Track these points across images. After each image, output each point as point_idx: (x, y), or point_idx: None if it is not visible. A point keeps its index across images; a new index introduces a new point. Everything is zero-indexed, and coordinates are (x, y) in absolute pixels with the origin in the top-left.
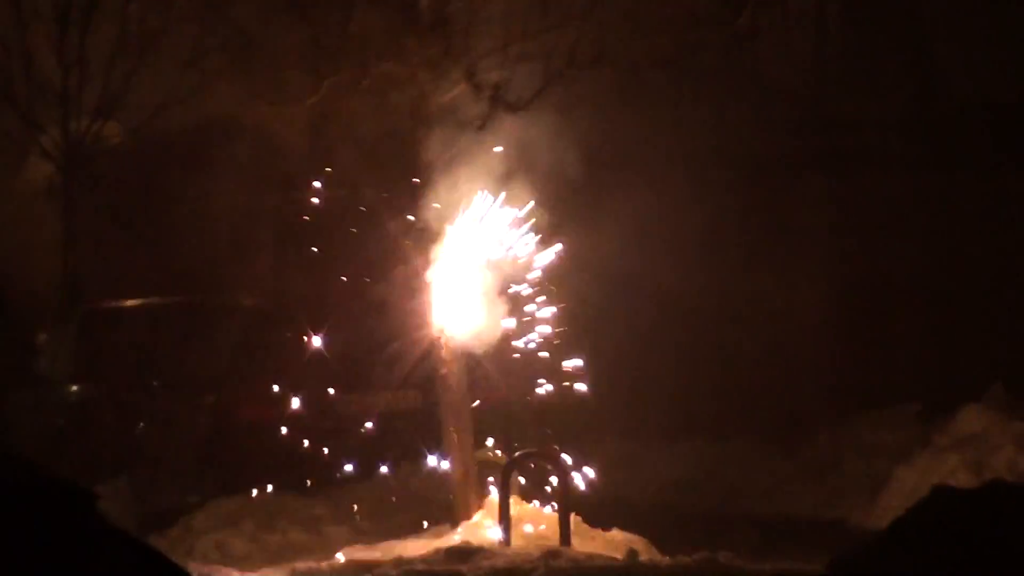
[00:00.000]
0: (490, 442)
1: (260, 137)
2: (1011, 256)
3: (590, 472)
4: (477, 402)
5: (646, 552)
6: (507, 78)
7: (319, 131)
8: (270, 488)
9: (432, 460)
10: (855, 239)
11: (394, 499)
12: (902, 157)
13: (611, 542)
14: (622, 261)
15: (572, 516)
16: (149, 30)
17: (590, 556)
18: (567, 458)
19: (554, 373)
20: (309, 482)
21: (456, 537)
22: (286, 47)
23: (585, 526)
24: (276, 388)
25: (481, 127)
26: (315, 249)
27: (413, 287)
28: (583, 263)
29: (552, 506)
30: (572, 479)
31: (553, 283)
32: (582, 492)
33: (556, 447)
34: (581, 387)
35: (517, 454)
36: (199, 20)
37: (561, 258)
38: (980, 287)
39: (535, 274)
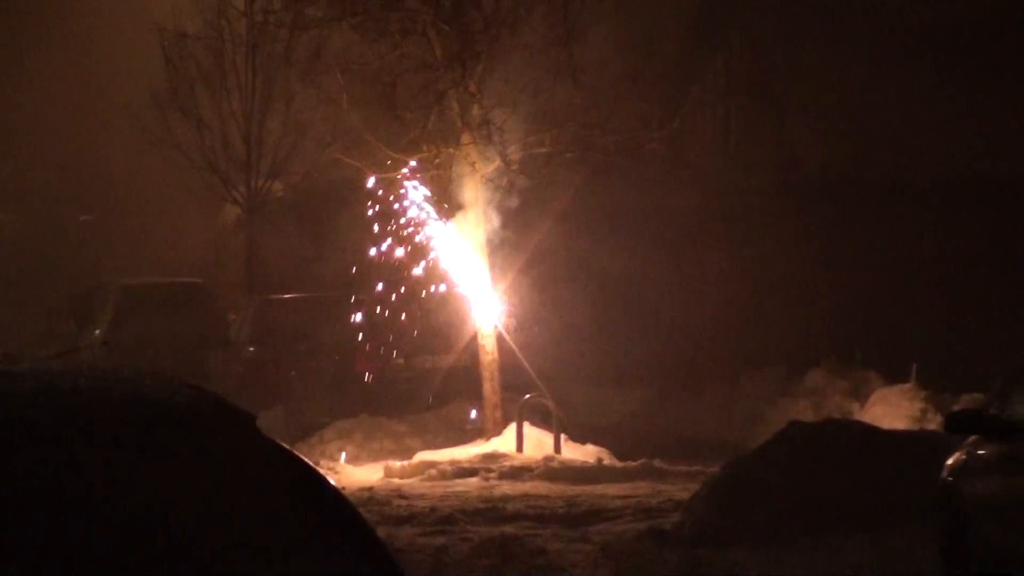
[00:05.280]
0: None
1: (370, 194)
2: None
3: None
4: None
5: (608, 459)
6: (527, 158)
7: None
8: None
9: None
10: (740, 266)
11: (452, 422)
12: (770, 213)
13: (587, 452)
14: (590, 265)
15: (562, 435)
16: (302, 122)
17: (573, 460)
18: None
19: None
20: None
21: (488, 447)
22: (386, 137)
23: (571, 442)
24: (378, 350)
25: (508, 189)
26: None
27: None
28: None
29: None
30: (561, 412)
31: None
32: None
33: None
34: None
35: (527, 396)
36: (331, 120)
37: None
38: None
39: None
